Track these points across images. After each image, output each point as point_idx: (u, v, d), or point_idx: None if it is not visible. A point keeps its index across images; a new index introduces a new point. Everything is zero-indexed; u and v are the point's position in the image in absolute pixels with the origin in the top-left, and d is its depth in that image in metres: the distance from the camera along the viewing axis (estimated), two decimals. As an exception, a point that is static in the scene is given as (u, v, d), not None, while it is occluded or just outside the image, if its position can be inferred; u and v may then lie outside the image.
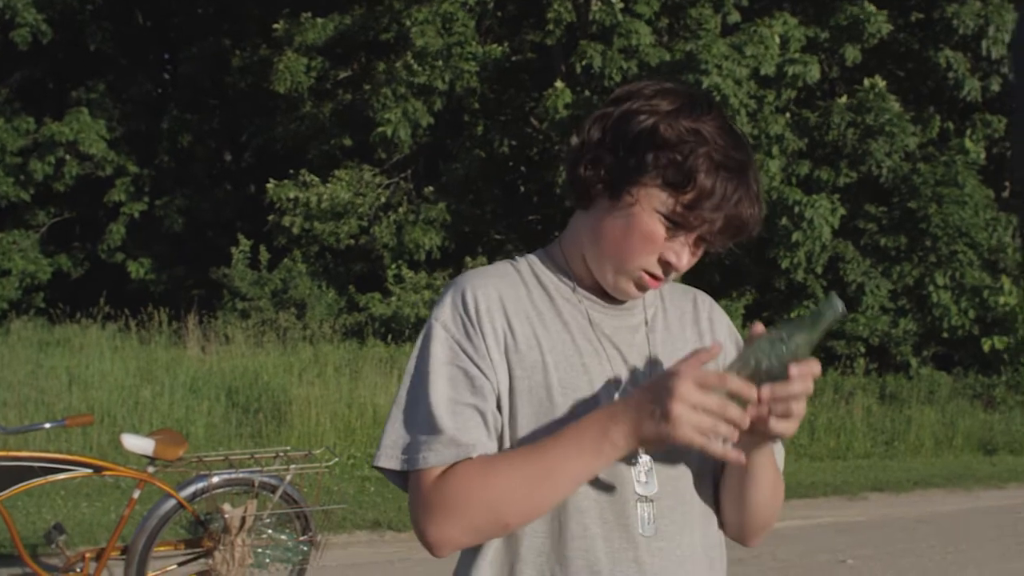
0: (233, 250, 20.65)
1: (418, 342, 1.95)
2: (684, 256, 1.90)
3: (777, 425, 1.77)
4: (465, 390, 1.87)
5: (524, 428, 1.89)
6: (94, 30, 26.86)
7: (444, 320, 1.93)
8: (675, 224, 1.86)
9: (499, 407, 1.90)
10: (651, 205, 1.86)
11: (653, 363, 1.99)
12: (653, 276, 1.92)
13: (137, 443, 5.71)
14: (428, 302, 19.55)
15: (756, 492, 1.99)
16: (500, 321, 1.92)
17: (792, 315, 19.30)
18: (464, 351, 1.90)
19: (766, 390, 1.73)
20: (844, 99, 19.65)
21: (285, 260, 20.85)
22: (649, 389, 1.76)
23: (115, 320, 17.90)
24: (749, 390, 1.72)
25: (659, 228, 1.87)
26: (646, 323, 2.04)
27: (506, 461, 1.83)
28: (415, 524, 1.87)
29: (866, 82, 19.48)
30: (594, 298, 2.01)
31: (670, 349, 2.02)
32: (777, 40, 18.74)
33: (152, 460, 5.75)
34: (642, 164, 1.85)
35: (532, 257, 2.07)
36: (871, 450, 15.74)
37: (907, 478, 13.69)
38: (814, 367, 1.76)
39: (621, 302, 2.02)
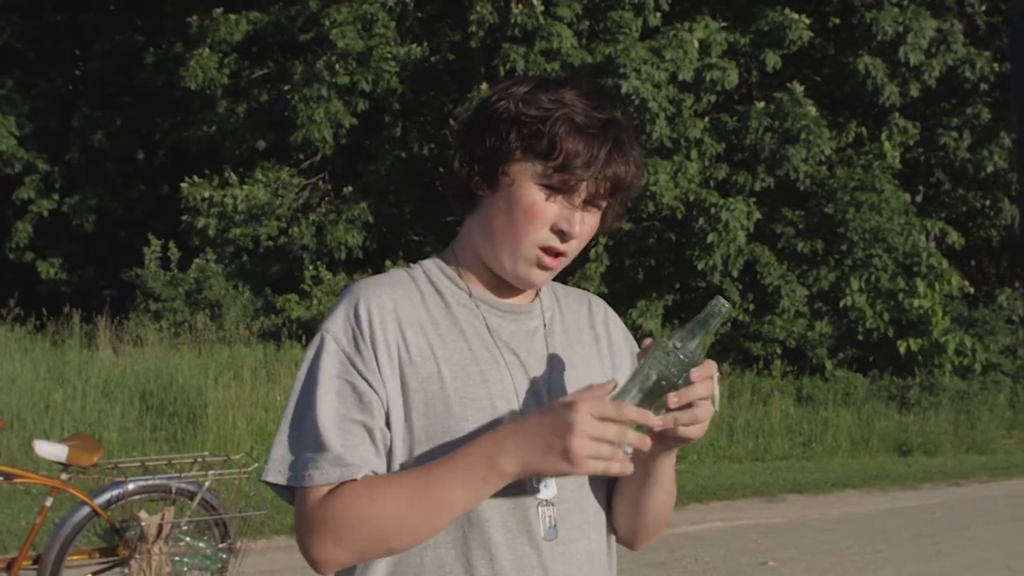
0: (145, 250, 20.26)
1: (308, 353, 1.90)
2: (575, 222, 1.88)
3: (686, 431, 1.77)
4: (353, 406, 1.83)
5: (422, 441, 1.85)
6: (2, 24, 26.25)
7: (335, 332, 1.88)
8: (552, 189, 1.86)
9: (388, 423, 1.86)
10: (527, 179, 1.87)
11: (552, 367, 1.96)
12: (549, 251, 1.89)
13: (50, 449, 5.51)
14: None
15: (655, 494, 1.98)
16: (394, 333, 1.88)
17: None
18: (354, 365, 1.85)
19: (672, 398, 1.73)
20: (762, 104, 19.82)
21: (198, 260, 20.49)
22: (545, 420, 1.72)
23: (25, 321, 17.46)
24: (646, 416, 1.71)
25: (539, 197, 1.86)
26: (544, 326, 2.02)
27: (392, 486, 1.80)
28: (299, 541, 1.83)
29: (786, 86, 19.67)
30: (491, 302, 1.98)
31: (568, 352, 2.00)
32: (696, 45, 18.85)
33: (65, 466, 5.55)
34: (507, 143, 1.87)
35: (427, 263, 2.03)
36: (789, 452, 15.89)
37: (825, 479, 13.83)
38: (712, 369, 1.78)
39: (518, 306, 2.00)
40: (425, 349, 1.88)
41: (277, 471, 1.84)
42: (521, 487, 1.84)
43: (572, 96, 1.89)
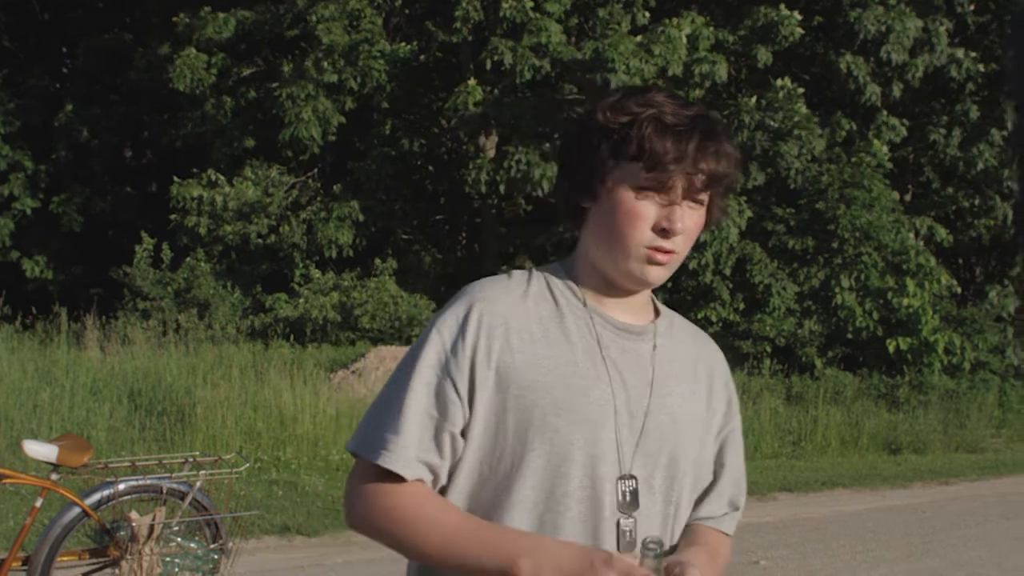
0: (136, 248, 20.19)
1: (418, 341, 1.98)
2: (676, 219, 1.93)
3: None
4: (440, 405, 1.92)
5: (511, 442, 1.93)
6: (-10, 22, 26.14)
7: (443, 329, 1.96)
8: (648, 189, 1.92)
9: (465, 434, 1.94)
10: (623, 184, 1.94)
11: (654, 392, 2.01)
12: (658, 249, 1.95)
13: (40, 449, 5.46)
14: (336, 304, 19.34)
15: None
16: (500, 340, 1.94)
17: (699, 316, 19.45)
18: (449, 368, 1.93)
19: None
20: (753, 100, 19.81)
21: (188, 259, 20.45)
22: (583, 557, 1.79)
23: (11, 320, 17.38)
24: None
25: (635, 200, 1.93)
26: (654, 348, 2.06)
27: (439, 514, 1.91)
28: (346, 497, 1.99)
29: (777, 82, 19.67)
30: (606, 316, 2.03)
31: (670, 382, 2.05)
32: (684, 40, 18.83)
33: (55, 467, 5.50)
34: (599, 152, 1.95)
35: (549, 269, 2.09)
36: (779, 450, 15.87)
37: (815, 478, 13.82)
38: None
39: (631, 326, 2.04)
40: (531, 356, 1.94)
41: (357, 441, 1.97)
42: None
43: (661, 98, 1.96)
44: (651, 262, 1.95)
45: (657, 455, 1.98)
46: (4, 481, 5.53)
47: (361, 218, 20.93)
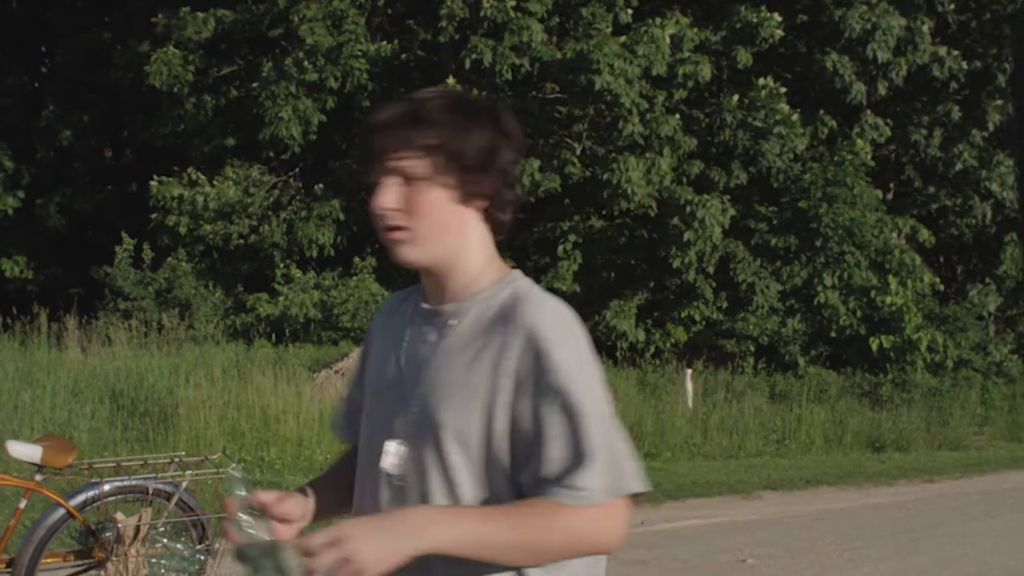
0: (117, 248, 20.06)
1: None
2: (374, 197, 2.06)
3: None
4: None
5: None
6: (-33, 21, 25.95)
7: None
8: (370, 181, 2.09)
9: None
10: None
11: (425, 366, 2.11)
12: (385, 229, 2.08)
13: (24, 450, 5.38)
14: (316, 302, 19.26)
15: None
16: None
17: (682, 315, 19.45)
18: None
19: None
20: (736, 99, 19.81)
21: (169, 259, 20.33)
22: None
23: (-9, 320, 17.24)
24: None
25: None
26: (443, 327, 2.12)
27: None
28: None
29: (760, 82, 19.68)
30: (418, 304, 2.21)
31: (451, 353, 2.09)
32: (668, 40, 18.82)
33: (39, 467, 5.42)
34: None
35: None
36: (763, 448, 15.89)
37: (800, 476, 13.83)
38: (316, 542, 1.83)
39: (430, 310, 2.16)
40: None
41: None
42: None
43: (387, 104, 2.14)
44: (392, 242, 2.07)
45: (418, 423, 2.06)
46: (-12, 482, 5.44)
47: (342, 217, 20.85)
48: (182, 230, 20.53)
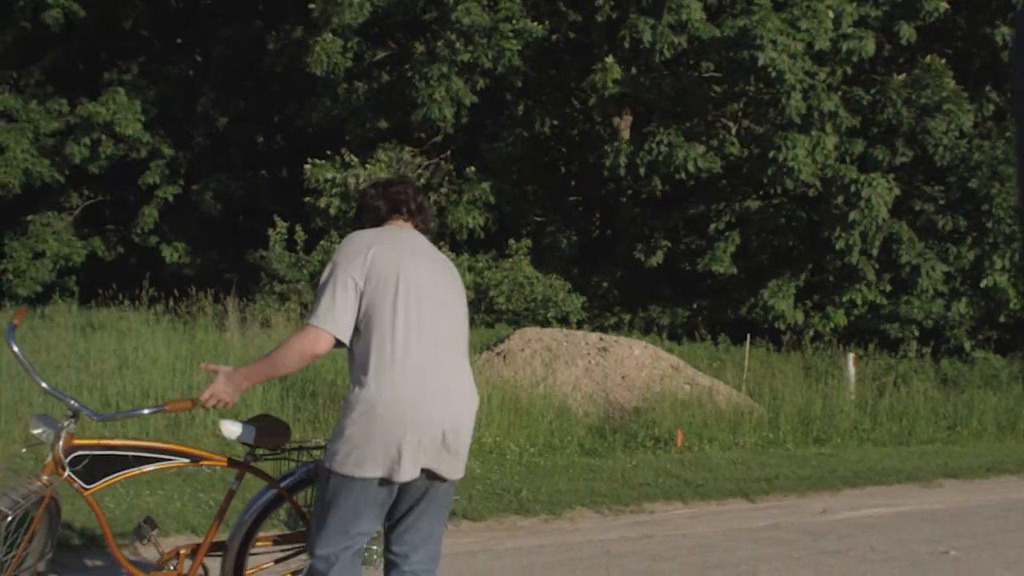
0: (270, 232, 20.32)
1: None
2: None
3: None
4: None
5: None
6: (127, 10, 26.51)
7: None
8: None
9: None
10: None
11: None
12: None
13: (238, 430, 5.27)
14: (473, 284, 19.26)
15: None
16: None
17: (844, 298, 18.99)
18: None
19: None
20: (901, 76, 19.20)
21: (322, 241, 20.53)
22: None
23: (156, 304, 17.58)
24: None
25: None
26: None
27: None
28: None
29: (926, 59, 19.05)
30: None
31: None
32: (831, 15, 18.31)
33: (252, 448, 5.33)
34: None
35: None
36: (934, 435, 15.35)
37: (977, 464, 13.31)
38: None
39: None
40: None
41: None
42: None
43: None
44: None
45: None
46: (202, 463, 5.33)
47: (493, 200, 20.79)
48: (333, 212, 20.66)
